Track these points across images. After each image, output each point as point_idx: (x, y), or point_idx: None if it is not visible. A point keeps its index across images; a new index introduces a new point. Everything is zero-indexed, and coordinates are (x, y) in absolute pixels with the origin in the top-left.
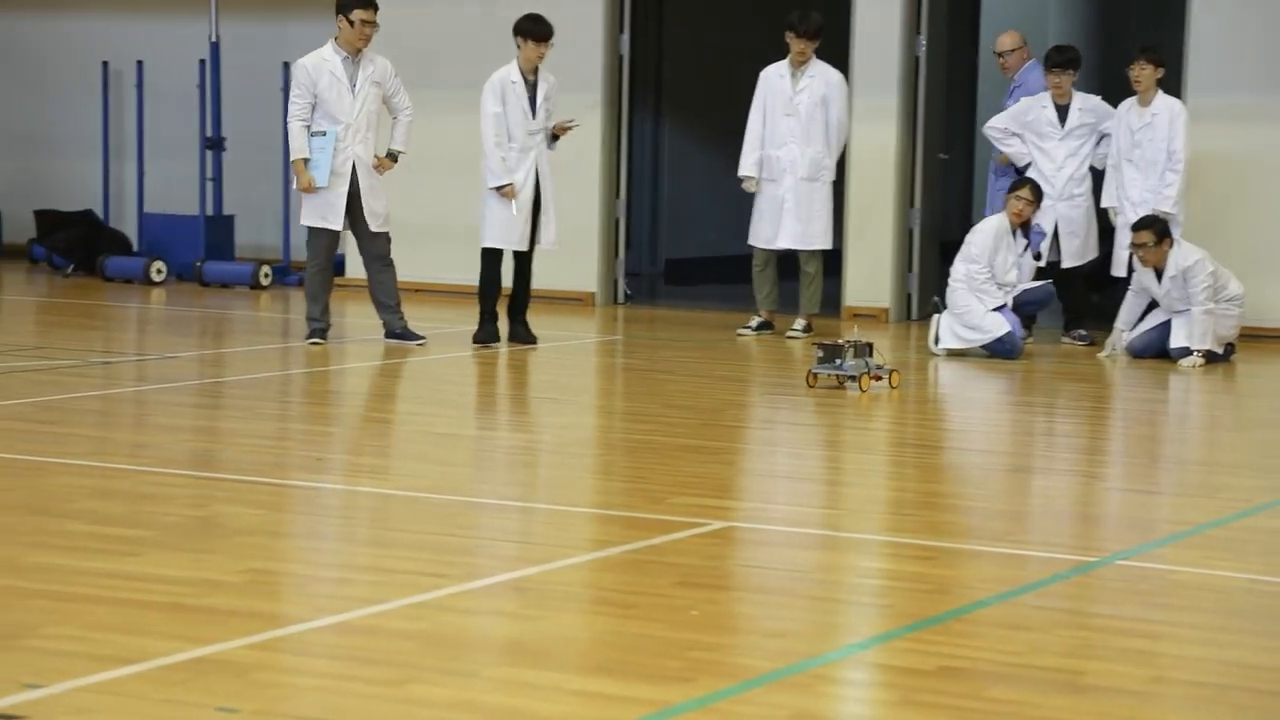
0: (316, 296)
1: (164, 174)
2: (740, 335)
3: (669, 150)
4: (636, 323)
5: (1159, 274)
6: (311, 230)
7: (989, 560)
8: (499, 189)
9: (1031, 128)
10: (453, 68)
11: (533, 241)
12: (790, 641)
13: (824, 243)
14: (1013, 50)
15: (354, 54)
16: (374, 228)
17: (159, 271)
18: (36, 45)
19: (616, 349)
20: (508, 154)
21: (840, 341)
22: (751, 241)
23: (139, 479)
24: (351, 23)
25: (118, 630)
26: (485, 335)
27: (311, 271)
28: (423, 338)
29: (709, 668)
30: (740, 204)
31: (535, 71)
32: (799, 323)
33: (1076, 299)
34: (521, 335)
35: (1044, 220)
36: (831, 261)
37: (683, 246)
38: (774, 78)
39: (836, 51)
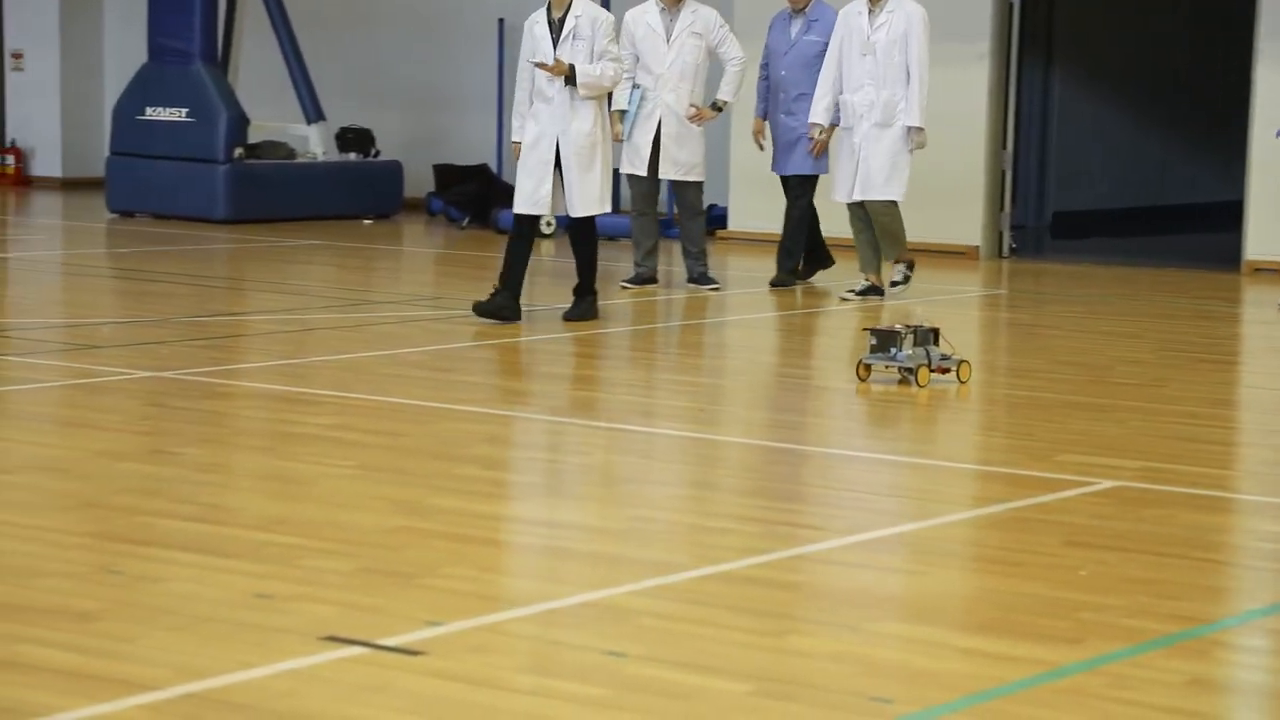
0: (638, 242)
1: None
2: (844, 299)
3: (1059, 100)
4: (1021, 277)
5: None
6: (627, 177)
7: None
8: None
9: None
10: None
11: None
12: (1185, 605)
13: (887, 193)
14: None
15: (672, 5)
16: (672, 175)
17: (549, 224)
18: (435, 4)
19: (1000, 303)
20: (524, 107)
21: (896, 327)
22: (833, 197)
23: (527, 426)
24: None
25: (509, 573)
26: (483, 305)
27: (632, 217)
28: (716, 283)
29: (1098, 629)
30: (1134, 156)
31: (566, 8)
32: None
33: None
34: (573, 312)
35: None
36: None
37: (1072, 199)
38: (852, 15)
39: None
